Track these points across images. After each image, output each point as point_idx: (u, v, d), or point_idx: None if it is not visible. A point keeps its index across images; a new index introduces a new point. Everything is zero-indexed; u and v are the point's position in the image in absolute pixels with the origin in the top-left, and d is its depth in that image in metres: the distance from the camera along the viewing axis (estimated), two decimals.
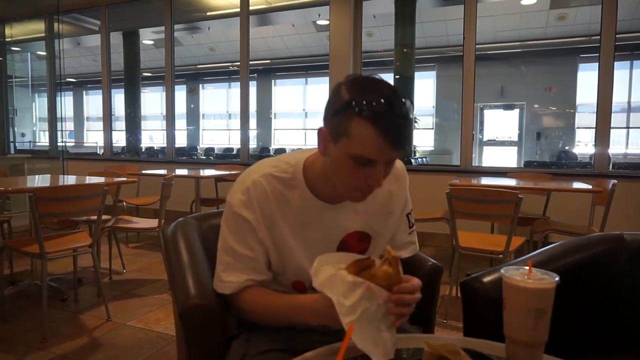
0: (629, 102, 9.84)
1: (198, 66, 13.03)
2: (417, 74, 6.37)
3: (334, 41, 5.02)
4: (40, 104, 8.62)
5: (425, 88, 11.18)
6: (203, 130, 14.63)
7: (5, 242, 3.03)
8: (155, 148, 11.14)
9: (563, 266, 1.22)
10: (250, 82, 5.66)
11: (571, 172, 5.38)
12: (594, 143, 4.21)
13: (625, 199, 3.68)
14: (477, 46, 4.54)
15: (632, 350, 1.19)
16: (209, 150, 12.87)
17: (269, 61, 11.86)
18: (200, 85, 14.44)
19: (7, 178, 3.77)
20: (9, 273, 3.27)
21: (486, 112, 10.91)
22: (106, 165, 4.97)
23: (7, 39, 7.54)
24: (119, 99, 7.95)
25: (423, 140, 11.15)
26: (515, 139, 10.80)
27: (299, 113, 13.23)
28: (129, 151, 7.99)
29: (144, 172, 4.51)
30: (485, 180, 3.58)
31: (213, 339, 1.03)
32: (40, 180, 3.57)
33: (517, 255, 2.61)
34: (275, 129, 13.45)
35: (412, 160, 6.34)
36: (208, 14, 7.63)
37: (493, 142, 10.99)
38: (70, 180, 3.46)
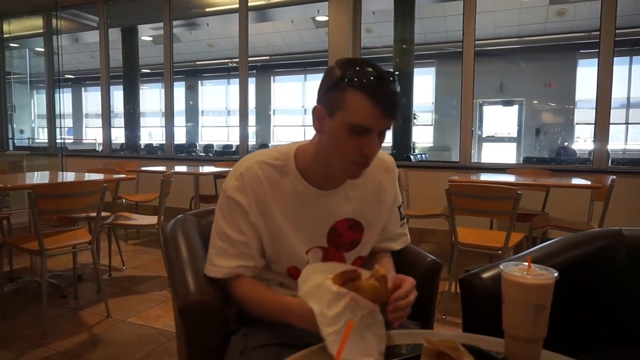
0: (628, 98, 9.84)
1: (197, 63, 13.00)
2: (416, 70, 6.37)
3: (333, 37, 5.01)
4: (38, 101, 8.60)
5: (424, 84, 11.17)
6: (202, 127, 14.61)
7: (5, 238, 3.03)
8: (154, 145, 11.13)
9: (562, 262, 1.22)
10: (249, 79, 5.65)
11: (570, 168, 5.39)
12: (593, 139, 4.21)
13: (624, 194, 3.68)
14: (476, 42, 4.54)
15: (630, 346, 1.20)
16: (208, 147, 12.86)
17: (267, 57, 11.84)
18: (199, 81, 14.42)
19: (6, 175, 3.76)
20: (9, 270, 3.27)
21: (485, 108, 10.91)
22: (105, 162, 4.97)
23: (5, 35, 7.51)
24: (117, 95, 7.94)
25: (422, 136, 11.15)
26: (515, 135, 10.80)
27: (298, 110, 13.21)
28: (128, 148, 7.98)
29: (143, 169, 4.51)
30: (485, 177, 3.58)
31: (212, 334, 1.03)
32: (39, 177, 3.56)
33: (516, 251, 2.61)
34: (274, 126, 13.44)
35: (411, 157, 6.34)
36: (207, 10, 7.60)
37: (492, 139, 10.99)
38: (70, 177, 3.46)
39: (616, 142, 9.76)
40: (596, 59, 4.14)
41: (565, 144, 10.18)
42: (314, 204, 1.04)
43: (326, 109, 0.93)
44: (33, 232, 2.70)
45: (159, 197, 3.24)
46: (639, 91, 9.82)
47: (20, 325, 2.51)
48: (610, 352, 1.19)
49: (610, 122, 4.14)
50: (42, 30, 6.94)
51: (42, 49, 7.09)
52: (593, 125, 4.19)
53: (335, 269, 0.84)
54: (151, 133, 13.60)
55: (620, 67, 9.22)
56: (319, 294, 0.80)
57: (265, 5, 6.87)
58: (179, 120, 13.51)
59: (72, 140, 14.21)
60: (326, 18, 5.20)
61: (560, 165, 6.87)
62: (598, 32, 4.12)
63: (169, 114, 6.11)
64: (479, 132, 10.64)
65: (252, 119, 12.69)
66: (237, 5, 5.58)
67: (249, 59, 5.63)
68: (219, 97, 14.65)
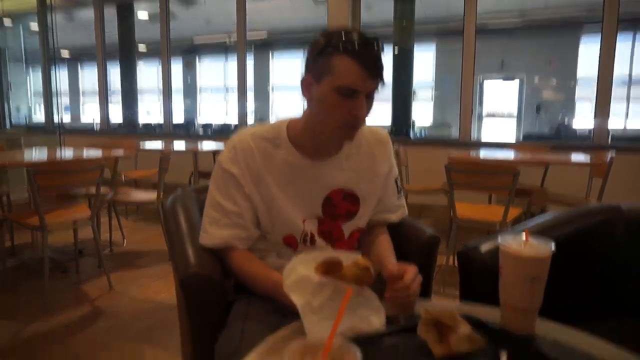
0: (630, 75, 9.74)
1: (194, 39, 12.81)
2: (416, 47, 6.28)
3: (332, 14, 4.93)
4: (35, 79, 8.50)
5: (424, 61, 11.04)
6: (200, 104, 14.49)
7: (5, 214, 3.04)
8: (152, 124, 11.06)
9: (560, 235, 1.22)
10: (247, 56, 5.58)
11: (570, 144, 5.37)
12: (593, 116, 4.19)
13: (624, 171, 3.68)
14: (477, 18, 4.46)
15: (630, 317, 1.21)
16: (206, 126, 12.78)
17: (265, 35, 11.66)
18: (197, 58, 14.23)
19: (4, 152, 3.75)
20: (10, 245, 3.30)
21: (486, 83, 10.80)
22: (103, 140, 4.94)
23: None
24: (114, 73, 7.84)
25: (422, 114, 11.07)
26: (515, 112, 10.74)
27: (297, 87, 13.04)
28: (126, 126, 7.92)
29: (142, 146, 4.49)
30: (484, 153, 3.57)
31: (213, 306, 1.05)
32: (37, 154, 3.56)
33: (514, 226, 2.63)
34: (273, 103, 13.34)
35: (411, 134, 6.31)
36: None
37: (492, 116, 10.94)
38: (68, 154, 3.45)
39: (617, 119, 9.71)
40: (599, 35, 4.08)
41: (566, 121, 10.14)
42: (306, 174, 1.06)
43: (313, 76, 0.97)
44: (33, 207, 2.71)
45: (158, 173, 3.24)
46: None
47: (22, 299, 2.55)
48: (605, 323, 1.21)
49: (612, 98, 4.11)
50: (36, 7, 6.80)
51: (37, 26, 6.96)
52: (594, 102, 4.16)
53: (319, 257, 0.84)
54: (149, 111, 13.50)
55: (622, 43, 9.09)
56: (302, 286, 0.82)
57: None
58: (177, 98, 13.40)
59: (69, 119, 14.12)
60: None
61: (560, 142, 6.86)
62: (601, 8, 4.05)
63: (166, 91, 6.05)
64: (479, 109, 10.57)
65: (250, 97, 12.59)
66: None
67: (247, 33, 5.54)
68: (217, 74, 14.49)
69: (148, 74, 13.41)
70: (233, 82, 5.79)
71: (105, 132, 6.47)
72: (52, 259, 2.98)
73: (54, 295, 2.54)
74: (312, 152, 1.06)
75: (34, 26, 7.30)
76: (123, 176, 4.43)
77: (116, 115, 7.50)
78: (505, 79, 10.64)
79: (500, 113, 10.95)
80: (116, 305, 2.47)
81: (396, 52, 6.00)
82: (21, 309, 2.43)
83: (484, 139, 8.74)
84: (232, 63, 5.79)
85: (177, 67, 13.42)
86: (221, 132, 10.59)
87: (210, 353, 0.94)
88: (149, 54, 12.03)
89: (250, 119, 6.17)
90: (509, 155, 3.52)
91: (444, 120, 10.51)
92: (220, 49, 13.45)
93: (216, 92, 14.62)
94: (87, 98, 15.34)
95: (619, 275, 1.27)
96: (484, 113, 10.83)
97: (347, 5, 4.87)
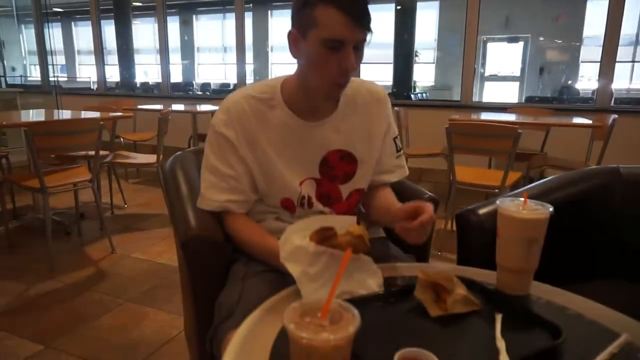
0: (637, 35, 9.51)
1: None
2: (419, 5, 6.10)
3: None
4: (28, 37, 8.30)
5: (427, 20, 10.74)
6: (198, 64, 14.23)
7: (5, 176, 3.05)
8: (150, 83, 10.89)
9: (558, 198, 1.23)
10: (245, 14, 5.42)
11: (572, 107, 5.32)
12: (597, 78, 4.12)
13: (625, 134, 3.66)
14: None
15: (625, 280, 1.23)
16: (205, 86, 12.60)
17: None
18: (194, 16, 13.85)
19: (1, 113, 3.71)
20: (12, 208, 3.32)
21: (489, 45, 10.57)
22: (101, 101, 4.89)
23: None
24: (109, 31, 7.65)
25: (424, 75, 10.89)
26: (518, 74, 10.56)
27: None
28: (123, 86, 7.81)
29: (140, 107, 4.44)
30: (485, 116, 3.54)
31: (214, 267, 1.07)
32: (35, 115, 3.52)
33: (513, 190, 2.64)
34: (272, 63, 13.09)
35: (412, 96, 6.23)
36: None
37: (495, 77, 10.77)
38: (66, 115, 3.42)
39: (621, 81, 9.56)
40: None
41: (570, 82, 9.98)
42: (302, 135, 1.04)
43: (299, 31, 0.93)
44: (33, 170, 2.71)
45: (157, 135, 3.22)
46: None
47: (27, 260, 2.59)
48: (599, 285, 1.23)
49: (617, 60, 4.03)
50: None
51: None
52: (598, 64, 4.09)
53: (313, 226, 0.84)
54: (147, 71, 13.27)
55: (632, 2, 8.82)
56: (298, 256, 0.82)
57: None
58: (175, 58, 13.13)
59: (65, 78, 13.89)
60: None
61: (562, 104, 6.78)
62: None
63: (163, 50, 5.92)
64: (482, 71, 10.39)
65: (249, 56, 12.33)
66: None
67: None
68: (215, 33, 14.14)
69: (144, 32, 13.10)
70: (231, 41, 5.66)
71: (102, 93, 6.38)
72: (54, 221, 3.01)
73: (57, 257, 2.59)
74: (306, 112, 1.04)
75: None
76: (122, 139, 4.41)
77: (113, 74, 7.39)
78: (509, 41, 10.40)
79: (503, 74, 10.77)
80: (119, 267, 2.52)
81: (398, 10, 5.84)
82: (26, 270, 2.48)
83: (485, 101, 8.64)
84: (231, 21, 5.64)
85: (174, 26, 13.09)
86: (220, 93, 10.48)
87: (211, 313, 0.96)
88: (145, 10, 11.71)
89: (249, 80, 6.08)
90: (510, 118, 3.49)
91: (446, 82, 10.35)
92: (218, 6, 13.08)
93: (214, 51, 14.32)
94: (82, 57, 15.04)
95: (616, 238, 1.29)
96: (486, 74, 10.66)
97: None
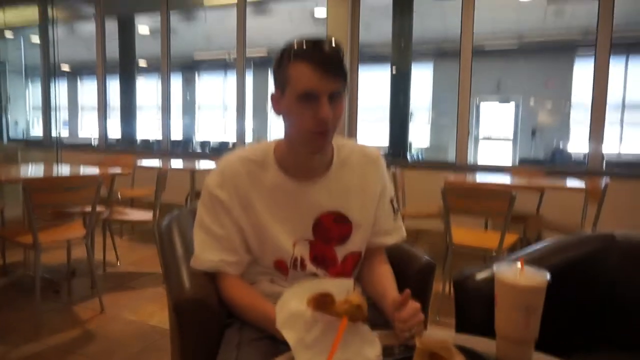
0: (623, 99, 9.87)
1: (194, 55, 12.94)
2: (414, 67, 6.35)
3: (331, 33, 5.00)
4: (34, 92, 8.54)
5: (422, 82, 11.16)
6: (199, 122, 14.55)
7: None
8: (150, 140, 11.07)
9: (554, 264, 1.22)
10: (247, 73, 5.63)
11: (565, 170, 5.41)
12: (588, 141, 4.23)
13: (618, 197, 3.70)
14: (474, 40, 4.54)
15: (621, 349, 1.21)
16: (204, 144, 12.81)
17: (265, 53, 11.79)
18: (197, 74, 14.35)
19: (1, 166, 3.74)
20: (2, 264, 3.26)
21: (482, 105, 10.92)
22: (101, 156, 4.94)
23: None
24: (114, 88, 7.89)
25: (419, 135, 11.14)
26: (511, 135, 10.83)
27: None
28: (124, 142, 7.93)
29: (139, 164, 4.49)
30: (480, 177, 3.59)
31: (206, 331, 1.04)
32: (34, 170, 3.55)
33: (510, 252, 2.63)
34: (271, 122, 13.40)
35: (408, 156, 6.34)
36: (205, 3, 7.57)
37: (488, 139, 11.03)
38: (65, 170, 3.44)
39: (612, 144, 9.80)
40: (592, 59, 4.15)
41: (561, 144, 10.22)
42: (295, 196, 1.05)
43: (278, 89, 0.99)
44: (27, 225, 2.69)
45: (155, 192, 3.23)
46: (635, 93, 9.85)
47: (12, 320, 2.50)
48: (601, 355, 1.20)
49: (606, 123, 4.16)
50: (37, 20, 6.88)
51: (38, 39, 7.03)
52: (588, 127, 4.21)
53: (311, 290, 0.83)
54: (148, 128, 13.53)
55: (616, 68, 9.23)
56: (294, 322, 0.81)
57: None
58: (176, 115, 13.45)
59: (67, 134, 14.12)
60: (324, 13, 5.19)
61: (555, 166, 6.90)
62: (595, 32, 4.13)
63: (165, 108, 6.08)
64: (476, 132, 10.66)
65: (249, 115, 12.65)
66: (235, 1, 5.56)
67: (247, 50, 5.60)
68: (216, 91, 14.59)
69: (147, 89, 13.50)
70: (232, 99, 5.82)
71: (103, 148, 6.47)
72: (44, 278, 2.95)
73: (45, 316, 2.51)
74: (297, 172, 1.05)
75: (35, 39, 7.36)
76: (119, 194, 4.42)
77: (114, 130, 7.52)
78: (501, 101, 10.77)
79: (496, 136, 11.05)
80: (108, 328, 2.44)
81: (394, 73, 6.07)
82: (11, 329, 2.39)
83: (480, 162, 8.80)
84: (232, 80, 5.84)
85: (176, 83, 13.52)
86: (219, 150, 10.64)
87: None
88: (149, 69, 12.14)
89: (249, 138, 6.19)
90: (505, 179, 3.54)
91: (441, 142, 10.58)
92: (219, 65, 13.59)
93: (215, 109, 14.70)
94: (85, 113, 15.38)
95: (613, 303, 1.27)
96: (480, 136, 10.93)
97: (346, 24, 4.95)
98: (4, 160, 5.21)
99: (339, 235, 1.08)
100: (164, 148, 6.17)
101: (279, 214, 1.04)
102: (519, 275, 0.84)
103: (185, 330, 1.04)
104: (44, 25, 6.77)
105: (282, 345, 0.81)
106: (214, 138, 13.38)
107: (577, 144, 9.80)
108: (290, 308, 0.82)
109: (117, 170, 3.43)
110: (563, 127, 10.39)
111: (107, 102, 6.75)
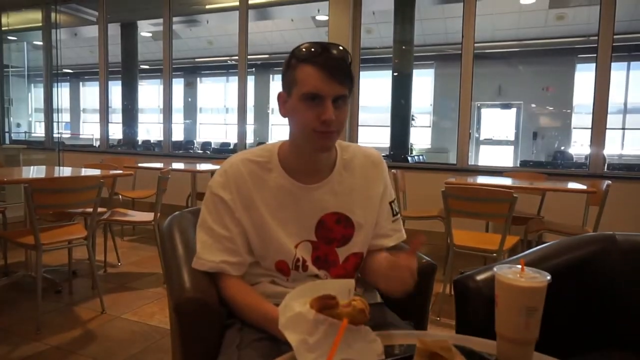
0: (625, 103, 9.88)
1: (196, 59, 12.98)
2: (415, 72, 6.38)
3: (332, 37, 5.02)
4: (36, 95, 8.58)
5: (423, 86, 11.19)
6: (200, 124, 14.59)
7: (0, 232, 3.02)
8: (152, 141, 11.11)
9: (555, 265, 1.23)
10: (248, 77, 5.65)
11: (566, 172, 5.41)
12: (589, 144, 4.23)
13: (619, 199, 3.70)
14: (475, 45, 4.55)
15: (621, 350, 1.21)
16: (205, 145, 12.85)
17: (267, 56, 11.82)
18: (198, 78, 14.40)
19: (2, 168, 3.75)
20: (3, 264, 3.27)
21: (483, 110, 10.94)
22: (102, 158, 4.96)
23: (3, 28, 7.48)
24: (116, 91, 7.92)
25: (420, 138, 11.17)
26: (512, 138, 10.84)
27: None
28: (125, 144, 7.96)
29: (140, 165, 4.50)
30: (481, 179, 3.59)
31: (207, 331, 1.04)
32: (35, 172, 3.56)
33: (511, 254, 2.63)
34: (272, 124, 13.44)
35: (409, 158, 6.35)
36: (207, 7, 7.60)
37: (490, 141, 11.03)
38: (66, 172, 3.45)
39: (613, 147, 9.80)
40: (594, 64, 4.16)
41: (562, 148, 10.22)
42: (298, 198, 1.06)
43: (285, 90, 1.01)
44: (29, 226, 2.70)
45: (156, 193, 3.23)
46: (635, 96, 9.86)
47: (14, 320, 2.51)
48: (601, 355, 1.20)
49: (607, 127, 4.16)
50: (41, 24, 6.91)
51: (41, 43, 7.06)
52: (589, 130, 4.21)
53: (315, 292, 0.84)
54: (149, 130, 13.57)
55: (617, 72, 9.26)
56: (297, 324, 0.81)
57: (265, 3, 6.87)
58: (177, 118, 13.49)
59: (69, 135, 14.16)
60: (326, 17, 5.20)
61: (557, 169, 6.90)
62: (596, 37, 4.14)
63: (167, 110, 6.10)
64: (477, 135, 10.67)
65: (250, 117, 12.69)
66: (237, 3, 5.58)
67: (249, 56, 5.62)
68: (217, 94, 14.63)
69: (149, 92, 13.54)
70: (233, 102, 5.84)
71: (104, 150, 6.48)
72: (45, 279, 2.96)
73: (46, 316, 2.51)
74: (301, 174, 1.06)
75: (38, 42, 7.40)
76: (120, 196, 4.43)
77: (116, 131, 7.56)
78: (502, 107, 10.78)
79: (497, 139, 11.05)
80: (109, 328, 2.44)
81: (395, 76, 6.09)
82: (12, 329, 2.39)
83: (481, 164, 8.80)
84: (233, 83, 5.85)
85: (178, 87, 13.57)
86: (220, 152, 10.67)
87: None
88: (151, 72, 12.19)
89: (250, 140, 6.21)
90: (506, 182, 3.54)
91: (442, 145, 10.60)
92: (221, 69, 13.64)
93: (216, 112, 14.74)
94: (87, 115, 15.43)
95: (614, 304, 1.27)
96: (481, 138, 10.93)
97: (348, 28, 4.96)
98: (6, 161, 5.23)
99: (341, 236, 1.08)
100: (165, 150, 6.19)
101: (282, 215, 1.05)
102: (519, 276, 0.84)
103: (186, 330, 1.04)
104: (47, 29, 6.80)
105: (283, 346, 0.81)
106: (215, 139, 13.42)
107: (579, 147, 9.81)
108: (294, 309, 0.83)
109: (118, 171, 3.44)
110: (564, 130, 10.41)
111: (109, 105, 6.78)
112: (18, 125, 8.23)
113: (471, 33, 4.53)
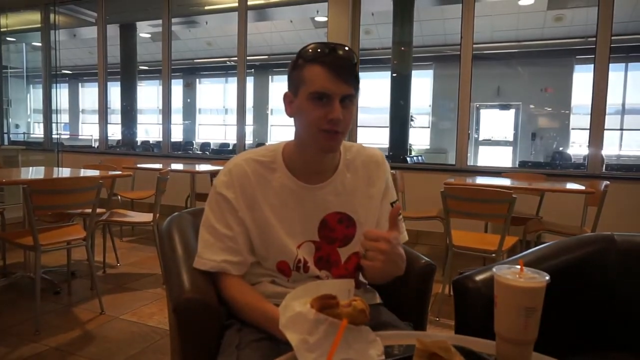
0: (623, 104, 9.89)
1: (195, 60, 12.98)
2: (414, 73, 6.39)
3: (331, 38, 5.02)
4: (35, 96, 8.57)
5: (422, 87, 11.20)
6: (199, 125, 14.59)
7: None
8: (150, 142, 11.10)
9: (554, 266, 1.23)
10: (247, 78, 5.65)
11: (565, 172, 5.42)
12: (587, 144, 4.24)
13: (618, 199, 3.71)
14: (474, 46, 4.56)
15: (620, 350, 1.21)
16: (204, 146, 12.84)
17: (266, 57, 11.83)
18: (197, 79, 14.39)
19: (1, 169, 3.75)
20: (2, 265, 3.27)
21: (482, 111, 10.95)
22: (101, 159, 4.96)
23: (2, 29, 7.47)
24: (115, 92, 7.92)
25: (419, 139, 11.17)
26: (511, 139, 10.85)
27: None
28: (124, 145, 7.95)
29: (139, 166, 4.50)
30: (480, 180, 3.60)
31: (206, 332, 1.04)
32: (34, 173, 3.55)
33: (509, 254, 2.63)
34: (271, 125, 13.44)
35: (408, 159, 6.35)
36: (206, 8, 7.60)
37: (488, 142, 11.04)
38: (65, 172, 3.45)
39: (611, 148, 9.82)
40: (592, 65, 4.17)
41: (561, 148, 10.24)
42: (302, 198, 1.06)
43: (292, 91, 1.01)
44: (27, 227, 2.69)
45: (155, 194, 3.23)
46: (634, 97, 9.88)
47: (12, 321, 2.50)
48: (600, 356, 1.20)
49: (605, 127, 4.17)
50: (39, 25, 6.90)
51: (40, 44, 7.05)
52: (588, 131, 4.22)
53: (315, 292, 0.84)
54: (148, 130, 13.56)
55: (616, 74, 9.28)
56: (298, 323, 0.81)
57: (264, 4, 6.88)
58: (176, 118, 13.50)
59: (68, 136, 14.15)
60: (325, 19, 5.21)
61: (555, 169, 6.91)
62: (594, 38, 4.15)
63: (166, 111, 6.10)
64: (476, 136, 10.68)
65: (249, 118, 12.70)
66: (236, 4, 5.58)
67: (248, 57, 5.63)
68: (216, 95, 14.63)
69: (148, 93, 13.53)
70: (232, 103, 5.84)
71: (103, 151, 6.48)
72: (44, 279, 2.95)
73: (45, 317, 2.51)
74: (305, 174, 1.06)
75: (37, 43, 7.39)
76: (119, 196, 4.43)
77: (115, 132, 7.55)
78: (501, 108, 10.79)
79: (496, 139, 11.06)
80: (108, 329, 2.44)
81: (394, 77, 6.10)
82: (10, 331, 2.39)
83: (480, 165, 8.81)
84: (232, 84, 5.85)
85: (177, 87, 13.57)
86: (219, 152, 10.67)
87: None
88: (150, 73, 12.19)
89: (249, 140, 6.21)
90: (504, 182, 3.55)
91: (441, 145, 10.61)
92: (220, 70, 13.63)
93: (215, 113, 14.73)
94: (86, 116, 15.42)
95: (613, 304, 1.27)
96: (480, 139, 10.94)
97: (347, 29, 4.97)
98: (4, 162, 5.22)
99: (343, 236, 1.09)
100: (164, 150, 6.19)
101: (285, 215, 1.05)
102: (518, 276, 0.84)
103: (185, 331, 1.04)
104: (46, 30, 6.80)
105: (282, 346, 0.81)
106: (215, 140, 13.41)
107: (577, 147, 9.83)
108: (294, 308, 0.83)
109: (117, 172, 3.44)
110: (563, 131, 10.42)
111: (108, 105, 6.77)
112: (17, 126, 8.22)
113: (470, 34, 4.53)
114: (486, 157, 10.91)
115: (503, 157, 10.69)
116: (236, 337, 1.00)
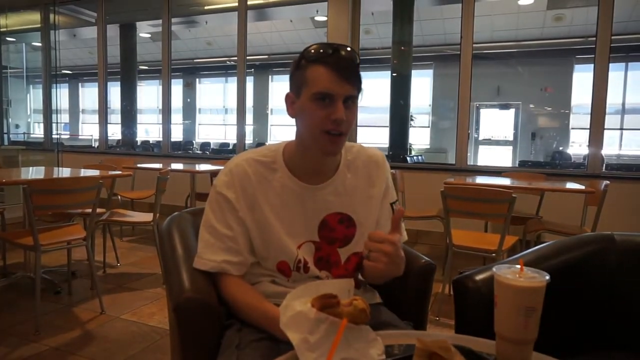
0: (623, 104, 9.89)
1: (195, 60, 12.98)
2: (414, 72, 6.38)
3: (331, 38, 5.02)
4: (35, 96, 8.57)
5: (422, 86, 11.20)
6: (199, 124, 14.58)
7: None
8: (150, 142, 11.10)
9: (554, 265, 1.23)
10: (247, 77, 5.65)
11: (565, 172, 5.41)
12: (587, 144, 4.24)
13: (618, 199, 3.71)
14: (474, 45, 4.55)
15: (620, 350, 1.21)
16: (204, 145, 12.84)
17: (266, 56, 11.82)
18: (197, 79, 14.38)
19: (1, 169, 3.75)
20: (2, 265, 3.26)
21: (482, 111, 10.95)
22: (101, 159, 4.96)
23: (2, 30, 7.47)
24: (115, 91, 7.92)
25: (419, 138, 11.17)
26: (511, 138, 10.85)
27: None
28: (124, 144, 7.95)
29: (139, 165, 4.50)
30: (480, 179, 3.60)
31: (206, 332, 1.04)
32: (34, 173, 3.55)
33: (509, 254, 2.63)
34: (271, 125, 13.43)
35: (408, 158, 6.35)
36: (206, 8, 7.60)
37: (488, 142, 11.04)
38: (65, 172, 3.45)
39: (611, 147, 9.82)
40: (592, 65, 4.17)
41: (561, 148, 10.24)
42: (302, 198, 1.06)
43: (294, 92, 1.01)
44: (27, 227, 2.69)
45: (155, 194, 3.23)
46: (633, 97, 9.88)
47: (12, 321, 2.50)
48: (599, 355, 1.20)
49: (605, 127, 4.17)
50: (39, 25, 6.90)
51: (39, 44, 7.05)
52: (588, 130, 4.22)
53: (316, 292, 0.84)
54: (148, 130, 13.56)
55: (615, 73, 9.28)
56: (298, 322, 0.81)
57: (264, 4, 6.87)
58: (176, 118, 13.50)
59: (68, 136, 14.15)
60: (325, 18, 5.21)
61: (555, 169, 6.91)
62: (594, 38, 4.15)
63: (166, 111, 6.10)
64: (476, 135, 10.68)
65: (249, 118, 12.69)
66: (236, 4, 5.58)
67: (248, 57, 5.62)
68: (216, 95, 14.62)
69: (148, 92, 13.53)
70: (232, 103, 5.84)
71: (103, 151, 6.48)
72: (44, 279, 2.95)
73: (45, 317, 2.51)
74: (307, 175, 1.06)
75: (36, 43, 7.39)
76: (119, 196, 4.43)
77: (115, 132, 7.54)
78: (501, 107, 10.79)
79: (496, 139, 11.06)
80: (108, 329, 2.44)
81: (394, 76, 6.09)
82: (11, 331, 2.39)
83: (480, 165, 8.80)
84: (232, 84, 5.85)
85: (177, 87, 13.57)
86: (219, 152, 10.66)
87: None
88: (150, 73, 12.18)
89: (249, 140, 6.21)
90: (504, 182, 3.55)
91: (441, 145, 10.60)
92: (220, 70, 13.63)
93: (215, 112, 14.73)
94: (86, 116, 15.42)
95: (613, 304, 1.27)
96: (480, 139, 10.94)
97: (347, 29, 4.97)
98: (4, 162, 5.22)
99: (343, 236, 1.09)
100: (164, 150, 6.19)
101: (285, 215, 1.05)
102: (518, 276, 0.84)
103: (185, 331, 1.04)
104: (46, 30, 6.79)
105: (282, 346, 0.81)
106: (214, 140, 13.41)
107: (577, 147, 9.83)
108: (295, 308, 0.83)
109: (117, 172, 3.44)
110: (563, 131, 10.42)
111: (108, 105, 6.77)
112: (17, 126, 8.22)
113: (470, 34, 4.53)
114: (486, 156, 10.90)
115: (503, 157, 10.69)
116: (236, 337, 1.00)
